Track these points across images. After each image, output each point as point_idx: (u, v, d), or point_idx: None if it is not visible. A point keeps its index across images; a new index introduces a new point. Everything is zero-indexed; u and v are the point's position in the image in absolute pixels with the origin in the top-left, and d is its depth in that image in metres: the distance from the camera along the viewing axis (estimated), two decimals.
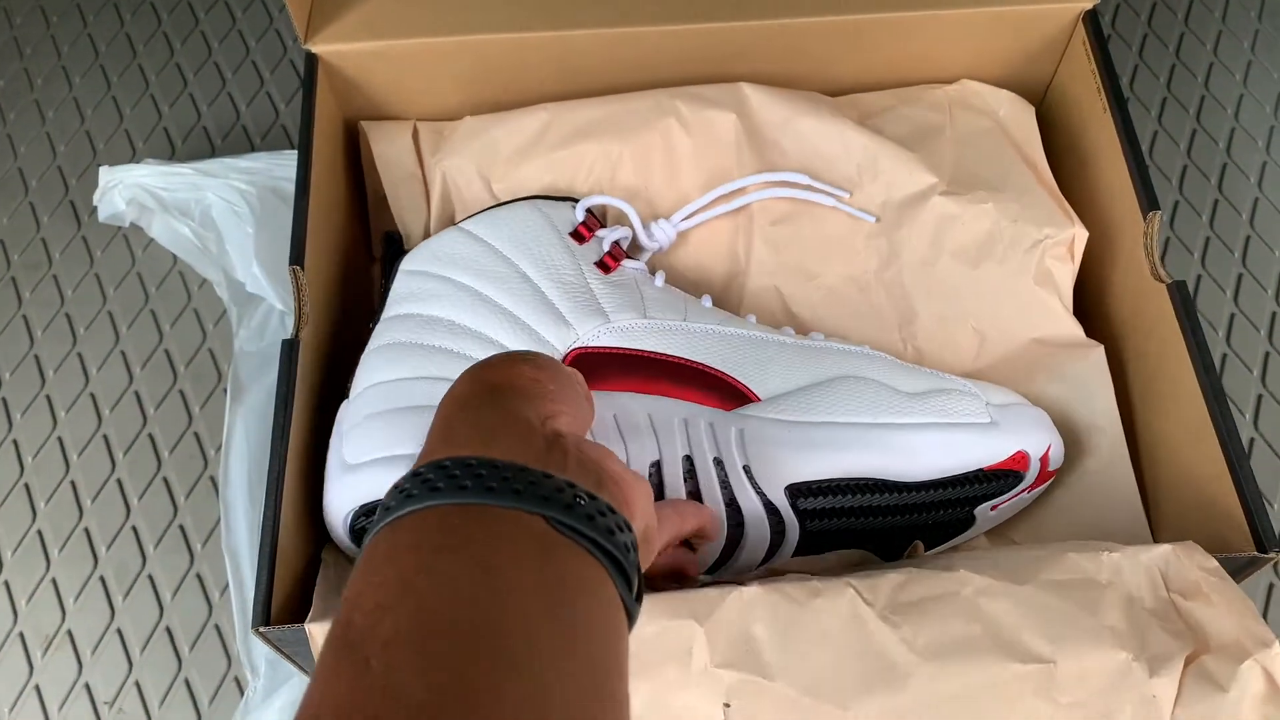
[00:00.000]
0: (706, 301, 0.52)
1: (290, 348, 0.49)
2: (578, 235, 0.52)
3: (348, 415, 0.48)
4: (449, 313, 0.49)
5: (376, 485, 0.45)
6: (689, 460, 0.48)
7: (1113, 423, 0.53)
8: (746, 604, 0.42)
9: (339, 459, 0.47)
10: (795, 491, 0.47)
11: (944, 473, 0.47)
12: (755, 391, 0.48)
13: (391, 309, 0.51)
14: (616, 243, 0.53)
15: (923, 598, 0.43)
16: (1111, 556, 0.44)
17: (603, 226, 0.54)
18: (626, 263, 0.53)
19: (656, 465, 0.47)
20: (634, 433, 0.47)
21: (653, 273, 0.57)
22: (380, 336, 0.50)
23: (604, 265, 0.52)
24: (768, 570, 0.49)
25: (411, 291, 0.51)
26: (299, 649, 0.44)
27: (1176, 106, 0.73)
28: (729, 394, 0.48)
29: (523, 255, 0.51)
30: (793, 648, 0.41)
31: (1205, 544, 0.44)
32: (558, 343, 0.49)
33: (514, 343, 0.49)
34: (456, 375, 0.47)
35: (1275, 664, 0.41)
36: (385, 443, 0.46)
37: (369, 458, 0.46)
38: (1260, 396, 0.63)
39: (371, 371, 0.49)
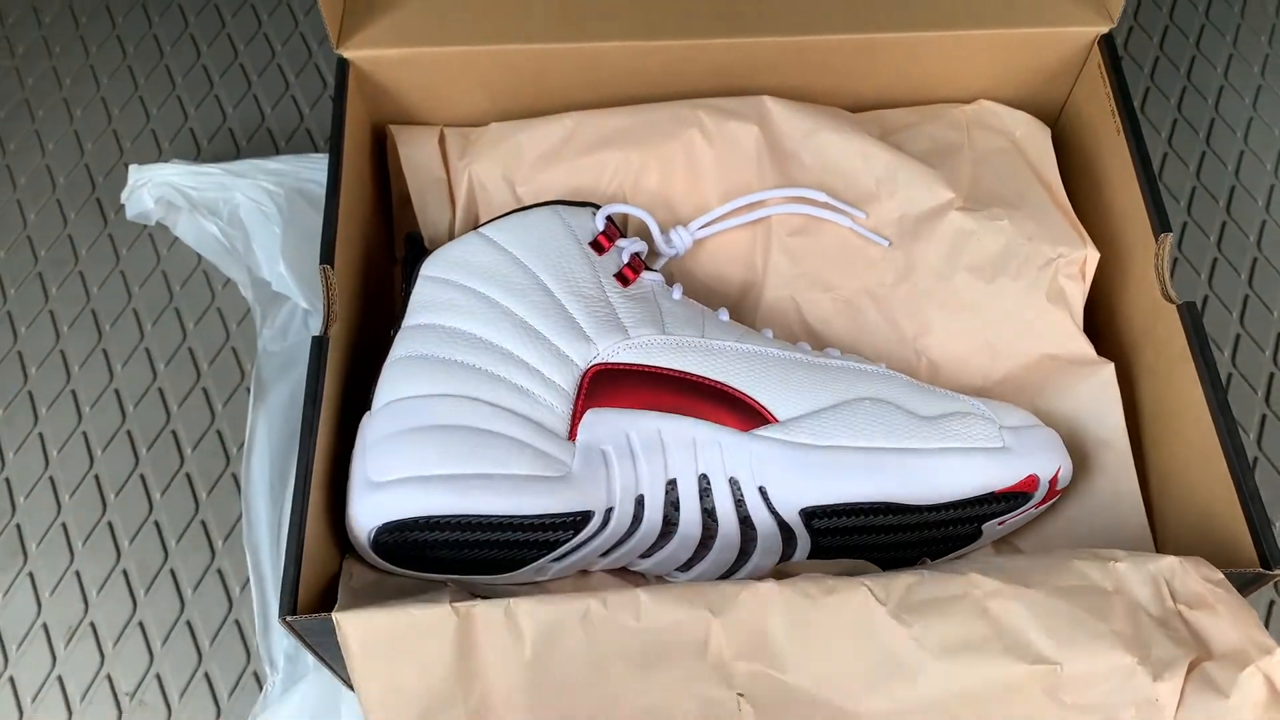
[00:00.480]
0: (723, 315, 0.53)
1: (320, 345, 0.50)
2: (597, 245, 0.53)
3: (370, 429, 0.49)
4: (471, 325, 0.50)
5: (400, 504, 0.46)
6: (705, 479, 0.49)
7: (1121, 439, 0.54)
8: (762, 599, 0.43)
9: (363, 475, 0.48)
10: (810, 514, 0.48)
11: (956, 496, 0.48)
12: (773, 412, 0.49)
13: (413, 317, 0.51)
14: (636, 254, 0.54)
15: (934, 598, 0.44)
16: (1118, 565, 0.45)
17: (622, 236, 0.55)
18: (645, 274, 0.54)
19: (672, 483, 0.49)
20: (650, 451, 0.48)
21: (670, 284, 0.58)
22: (402, 346, 0.51)
23: (623, 277, 0.53)
24: (777, 572, 0.50)
25: (433, 300, 0.51)
26: (323, 639, 0.45)
27: (1186, 128, 0.74)
28: (747, 414, 0.49)
29: (543, 266, 0.52)
30: (806, 643, 0.42)
31: (1210, 560, 0.46)
32: (578, 358, 0.50)
33: (535, 358, 0.49)
34: (478, 392, 0.49)
35: (1277, 671, 0.42)
36: (408, 462, 0.47)
37: (393, 476, 0.47)
38: (1264, 416, 0.64)
39: (394, 385, 0.49)
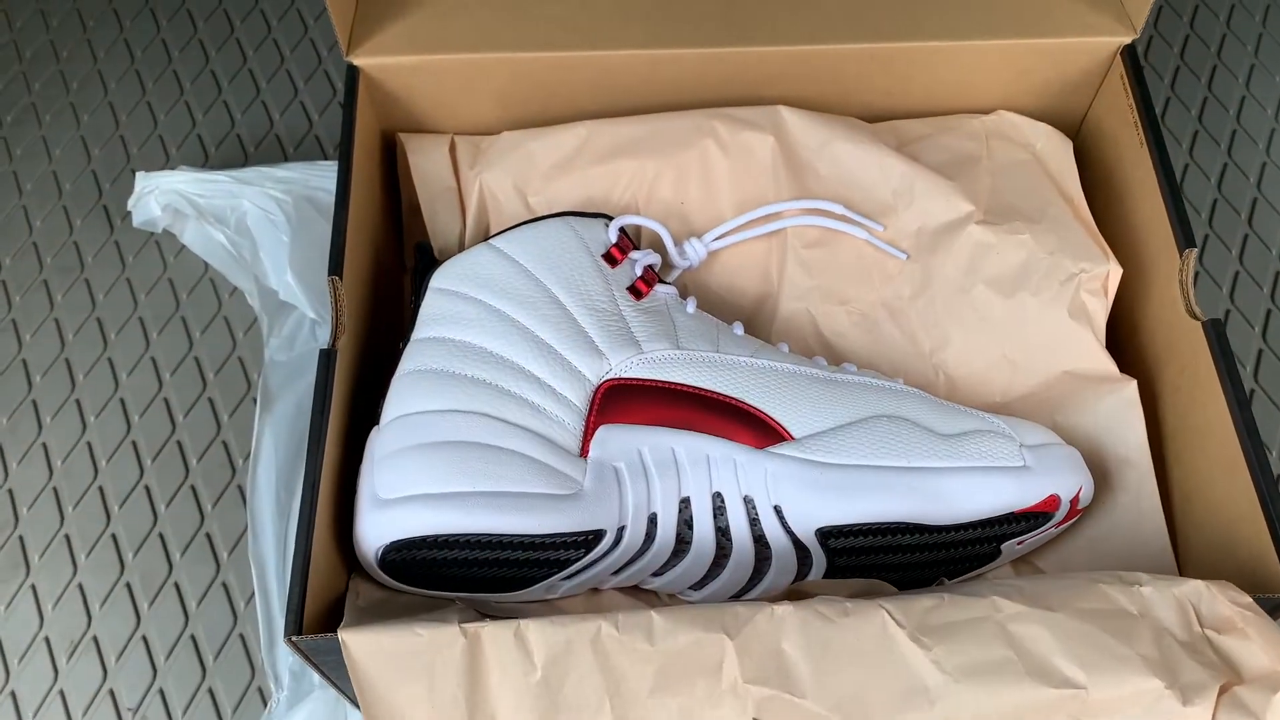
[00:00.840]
0: (738, 329, 0.52)
1: (328, 358, 0.49)
2: (610, 257, 0.52)
3: (379, 445, 0.48)
4: (481, 339, 0.49)
5: (409, 522, 0.45)
6: (719, 497, 0.48)
7: (1143, 457, 0.53)
8: (778, 621, 0.42)
9: (371, 492, 0.47)
10: (826, 534, 0.47)
11: (976, 516, 0.47)
12: (789, 430, 0.48)
13: (423, 329, 0.50)
14: (649, 266, 0.53)
15: (954, 621, 0.43)
16: (1142, 590, 0.44)
17: (635, 247, 0.54)
18: (659, 287, 0.53)
19: (685, 501, 0.48)
20: (663, 469, 0.48)
21: (684, 297, 0.57)
22: (411, 359, 0.50)
23: (636, 290, 0.52)
24: (791, 592, 0.49)
25: (443, 313, 0.50)
26: (329, 659, 0.44)
27: (1208, 140, 0.73)
28: (763, 430, 0.48)
29: (555, 279, 0.51)
30: (823, 665, 0.42)
31: (1235, 582, 0.44)
32: (590, 374, 0.49)
33: (547, 373, 0.48)
34: (488, 408, 0.48)
35: None
36: (417, 480, 0.46)
37: (401, 494, 0.46)
38: None
39: (403, 400, 0.48)
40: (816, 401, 0.49)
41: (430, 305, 0.51)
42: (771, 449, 0.48)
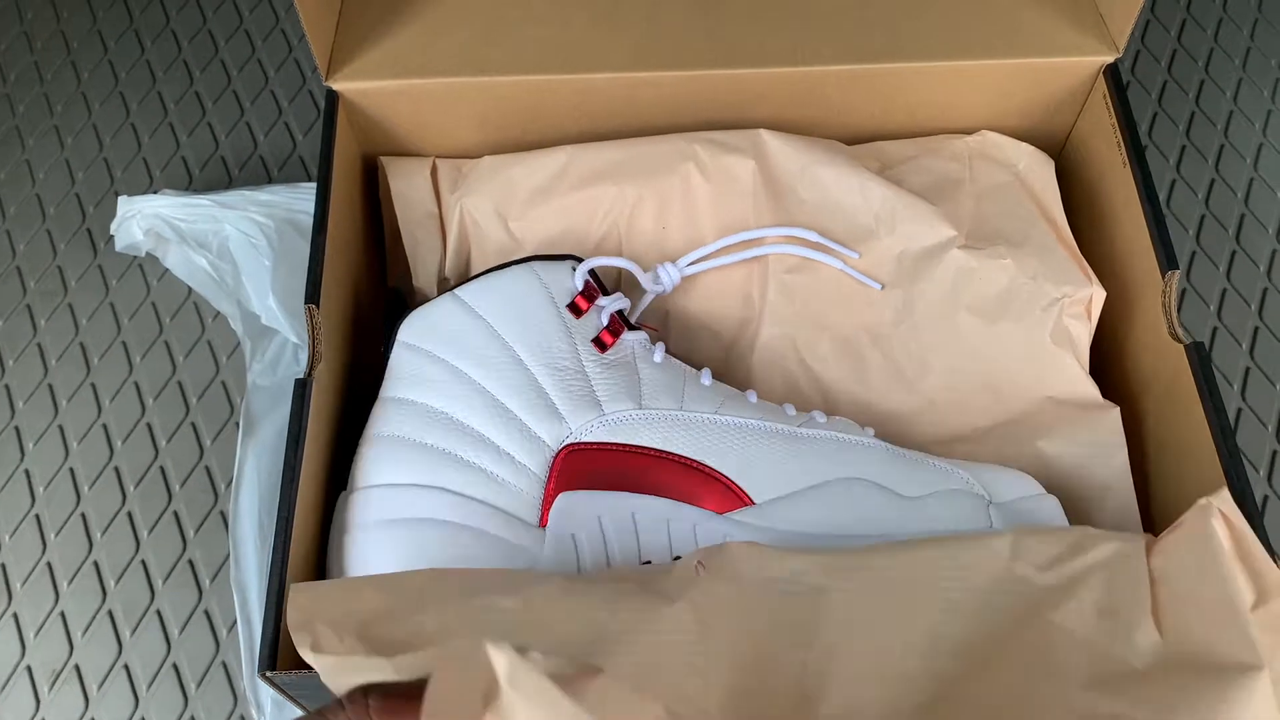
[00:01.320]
0: (705, 378, 0.51)
1: (303, 387, 0.49)
2: (575, 307, 0.51)
3: (346, 515, 0.48)
4: (443, 404, 0.49)
5: None
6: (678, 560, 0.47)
7: (1125, 483, 0.52)
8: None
9: (338, 565, 0.47)
10: None
11: None
12: (749, 494, 0.48)
13: (390, 387, 0.50)
14: (617, 313, 0.52)
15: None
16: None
17: (603, 292, 0.53)
18: (625, 335, 0.52)
19: (646, 565, 0.47)
20: (623, 534, 0.47)
21: (663, 325, 0.56)
22: (382, 422, 0.49)
23: (601, 342, 0.51)
24: None
25: (411, 372, 0.50)
26: (304, 692, 0.44)
27: (1195, 155, 0.73)
28: (723, 494, 0.48)
29: (517, 335, 0.50)
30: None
31: None
32: (550, 439, 0.48)
33: (505, 440, 0.48)
34: (448, 482, 0.48)
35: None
36: (377, 560, 0.47)
37: (364, 574, 0.46)
38: (1275, 453, 0.63)
39: (372, 469, 0.48)
40: (780, 463, 0.48)
41: (397, 361, 0.50)
42: (731, 515, 0.47)
